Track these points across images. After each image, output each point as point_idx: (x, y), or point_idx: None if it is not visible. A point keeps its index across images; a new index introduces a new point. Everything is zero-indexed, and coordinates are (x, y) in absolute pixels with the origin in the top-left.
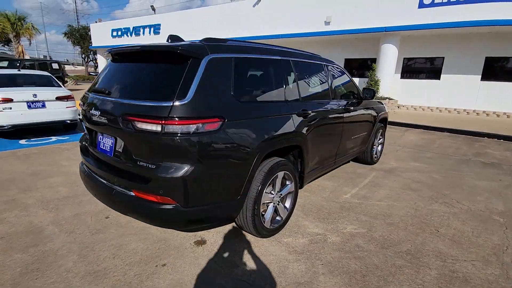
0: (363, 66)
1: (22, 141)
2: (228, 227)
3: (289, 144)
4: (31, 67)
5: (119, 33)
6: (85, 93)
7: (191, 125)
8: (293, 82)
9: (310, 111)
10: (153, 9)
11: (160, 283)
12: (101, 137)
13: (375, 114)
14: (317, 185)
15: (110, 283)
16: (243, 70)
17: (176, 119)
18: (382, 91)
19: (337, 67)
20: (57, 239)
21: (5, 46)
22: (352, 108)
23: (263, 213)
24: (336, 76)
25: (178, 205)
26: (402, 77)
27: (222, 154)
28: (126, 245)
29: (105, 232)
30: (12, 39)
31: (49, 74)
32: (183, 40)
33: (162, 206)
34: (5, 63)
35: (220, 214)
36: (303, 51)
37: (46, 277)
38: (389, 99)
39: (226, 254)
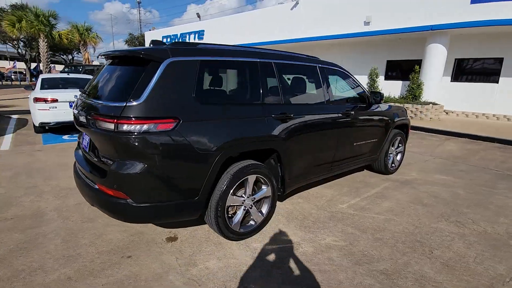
0: (406, 69)
1: (65, 137)
2: (205, 226)
3: (260, 148)
4: (90, 72)
5: (168, 39)
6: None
7: (142, 125)
8: (274, 85)
9: (293, 115)
10: (198, 16)
11: (118, 273)
12: (84, 134)
13: (388, 119)
14: (316, 192)
15: (76, 267)
16: (210, 73)
17: (128, 118)
18: (426, 95)
19: (337, 70)
20: (53, 223)
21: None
22: (353, 112)
23: (232, 215)
24: (334, 79)
25: (130, 200)
26: (453, 79)
27: (176, 154)
28: (106, 235)
29: (94, 221)
30: (80, 47)
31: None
32: (165, 44)
33: (116, 200)
34: (67, 69)
35: (175, 212)
36: (293, 53)
37: (29, 256)
38: (434, 104)
39: (190, 253)
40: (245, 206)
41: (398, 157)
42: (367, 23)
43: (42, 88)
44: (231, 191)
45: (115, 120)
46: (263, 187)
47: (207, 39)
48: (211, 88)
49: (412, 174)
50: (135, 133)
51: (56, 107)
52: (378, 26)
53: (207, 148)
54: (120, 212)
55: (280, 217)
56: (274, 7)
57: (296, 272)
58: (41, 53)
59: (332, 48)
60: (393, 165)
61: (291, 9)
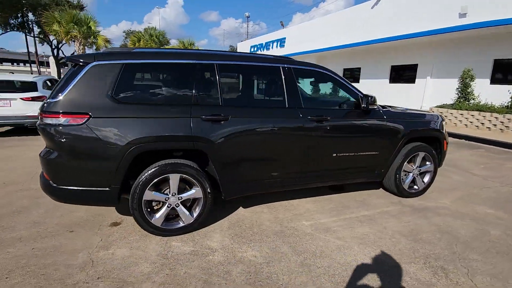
0: None
1: None
2: None
3: (182, 148)
4: None
5: (255, 49)
6: None
7: (57, 119)
8: (212, 86)
9: (230, 117)
10: (282, 25)
11: (49, 242)
12: None
13: (395, 129)
14: (292, 204)
15: (33, 231)
16: (133, 74)
17: (47, 113)
18: None
19: (315, 71)
20: (43, 199)
21: None
22: (329, 118)
23: (156, 210)
24: (306, 81)
25: (51, 182)
26: None
27: (85, 146)
28: (76, 212)
29: None
30: None
31: None
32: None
33: (46, 181)
34: None
35: (91, 198)
36: (249, 54)
37: (14, 221)
38: None
39: (115, 238)
40: (169, 204)
41: (426, 178)
42: (462, 15)
43: None
44: (149, 186)
45: (39, 114)
46: (193, 188)
47: (289, 46)
48: (132, 88)
49: (443, 201)
50: (52, 125)
51: None
52: (478, 18)
53: (117, 143)
54: (48, 192)
55: (225, 223)
56: (352, 7)
57: (182, 275)
58: None
59: (417, 47)
60: (415, 187)
61: (372, 7)
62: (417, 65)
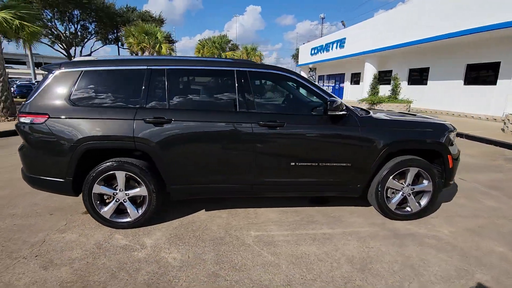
0: None
1: None
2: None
3: (125, 147)
4: None
5: (315, 51)
6: None
7: (25, 118)
8: (160, 90)
9: (173, 120)
10: (343, 24)
11: (30, 221)
12: None
13: (375, 138)
14: (254, 212)
15: (25, 210)
16: (90, 80)
17: (20, 113)
18: None
19: (277, 74)
20: None
21: None
22: (284, 123)
23: (105, 203)
24: (259, 84)
25: (24, 170)
26: None
27: (43, 141)
28: (67, 199)
29: None
30: None
31: None
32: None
33: (22, 169)
34: None
35: (53, 187)
36: (204, 58)
37: (19, 201)
38: None
39: (77, 224)
40: (117, 199)
41: (423, 201)
42: None
43: None
44: (97, 180)
45: (17, 114)
46: (137, 185)
47: (348, 46)
48: (87, 92)
49: (442, 229)
50: (22, 123)
51: None
52: None
53: (69, 140)
54: (24, 179)
55: (176, 223)
56: (419, 1)
57: (97, 266)
58: None
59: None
60: (407, 209)
61: None
62: (499, 63)
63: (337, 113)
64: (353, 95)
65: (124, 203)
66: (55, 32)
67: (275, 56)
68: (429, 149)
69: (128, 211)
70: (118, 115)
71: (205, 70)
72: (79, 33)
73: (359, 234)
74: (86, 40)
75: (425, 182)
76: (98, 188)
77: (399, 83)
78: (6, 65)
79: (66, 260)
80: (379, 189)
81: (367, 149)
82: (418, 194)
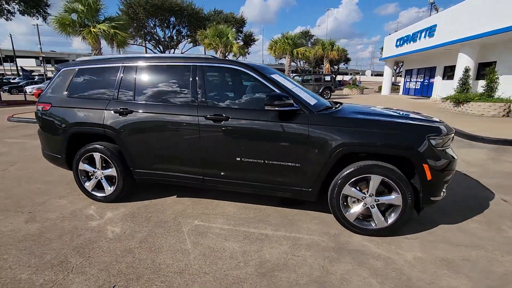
0: None
1: None
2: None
3: (98, 133)
4: (307, 80)
5: (401, 42)
6: None
7: (39, 106)
8: (129, 85)
9: (134, 111)
10: (436, 9)
11: (48, 187)
12: None
13: (327, 138)
14: (213, 204)
15: (53, 178)
16: (81, 76)
17: (38, 102)
18: None
19: (226, 67)
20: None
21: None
22: (230, 117)
23: (89, 178)
24: (220, 79)
25: (42, 147)
26: None
27: (48, 125)
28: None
29: None
30: (324, 59)
31: None
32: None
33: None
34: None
35: (58, 162)
36: (170, 55)
37: (55, 171)
38: None
39: (71, 194)
40: (96, 176)
41: (392, 217)
42: None
43: None
44: (82, 159)
45: (36, 104)
46: (110, 167)
47: (439, 34)
48: (78, 86)
49: (409, 253)
50: (37, 110)
51: None
52: None
53: (63, 125)
54: (42, 154)
55: (141, 204)
56: None
57: (48, 226)
58: (285, 65)
59: None
60: (372, 224)
61: None
62: None
63: (275, 108)
64: (445, 91)
65: (101, 181)
66: (156, 38)
67: (371, 49)
68: (397, 155)
69: (104, 187)
70: (94, 105)
71: (168, 66)
72: (174, 37)
73: (299, 241)
74: (179, 42)
75: (394, 194)
76: (82, 166)
77: (497, 77)
78: None
79: (44, 219)
80: (334, 196)
81: (318, 150)
82: (389, 208)
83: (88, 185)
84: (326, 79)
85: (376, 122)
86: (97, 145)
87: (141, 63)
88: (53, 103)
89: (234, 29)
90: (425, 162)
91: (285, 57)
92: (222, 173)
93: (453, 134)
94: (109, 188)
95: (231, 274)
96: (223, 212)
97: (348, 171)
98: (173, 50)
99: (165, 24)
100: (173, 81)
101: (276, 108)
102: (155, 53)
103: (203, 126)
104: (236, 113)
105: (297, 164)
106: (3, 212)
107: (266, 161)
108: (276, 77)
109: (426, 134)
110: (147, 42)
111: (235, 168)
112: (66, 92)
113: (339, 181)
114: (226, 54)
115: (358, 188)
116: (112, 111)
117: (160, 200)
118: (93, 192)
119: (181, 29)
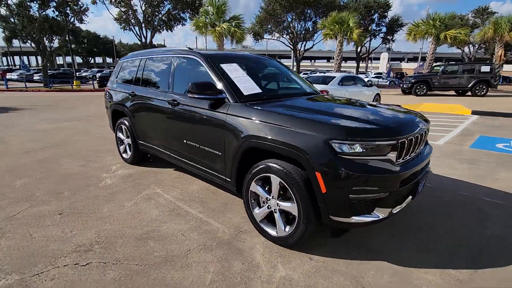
0: None
1: None
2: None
3: (119, 109)
4: (452, 71)
5: None
6: None
7: (105, 88)
8: (139, 74)
9: (136, 94)
10: None
11: (90, 154)
12: None
13: (237, 130)
14: (187, 179)
15: (94, 150)
16: (125, 66)
17: (106, 87)
18: None
19: (190, 58)
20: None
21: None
22: (180, 103)
23: (123, 143)
24: (185, 69)
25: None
26: None
27: (107, 102)
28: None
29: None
30: (496, 44)
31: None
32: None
33: None
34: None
35: (112, 129)
36: (166, 48)
37: (101, 143)
38: None
39: (109, 159)
40: (124, 143)
41: (288, 227)
42: None
43: None
44: (117, 129)
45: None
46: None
47: None
48: (123, 75)
49: (281, 271)
50: (106, 93)
51: None
52: None
53: (110, 103)
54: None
55: (145, 169)
56: None
57: (85, 177)
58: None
59: None
60: (276, 229)
61: None
62: None
63: (194, 96)
64: None
65: (127, 147)
66: (290, 31)
67: None
68: (291, 157)
69: (128, 151)
70: (122, 89)
71: (161, 58)
72: (310, 28)
73: (203, 225)
74: (315, 33)
75: (290, 202)
76: (118, 134)
77: None
78: None
79: (89, 166)
80: (244, 191)
81: (231, 140)
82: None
83: (121, 148)
84: (482, 70)
85: (289, 118)
86: (123, 120)
87: (146, 56)
88: (109, 87)
89: (375, 15)
90: (318, 169)
91: (429, 42)
92: (177, 151)
93: (406, 140)
94: (128, 154)
95: (126, 230)
96: (185, 188)
97: (256, 168)
98: (304, 43)
99: (302, 17)
100: (165, 70)
101: (196, 96)
102: (290, 47)
103: (164, 110)
104: (184, 99)
105: (219, 153)
106: (78, 159)
107: (200, 145)
108: (226, 66)
109: (326, 136)
110: (283, 36)
111: (183, 148)
112: (116, 78)
113: (248, 177)
114: (346, 41)
115: (267, 189)
116: (126, 92)
117: (160, 169)
118: (123, 155)
119: (318, 20)
